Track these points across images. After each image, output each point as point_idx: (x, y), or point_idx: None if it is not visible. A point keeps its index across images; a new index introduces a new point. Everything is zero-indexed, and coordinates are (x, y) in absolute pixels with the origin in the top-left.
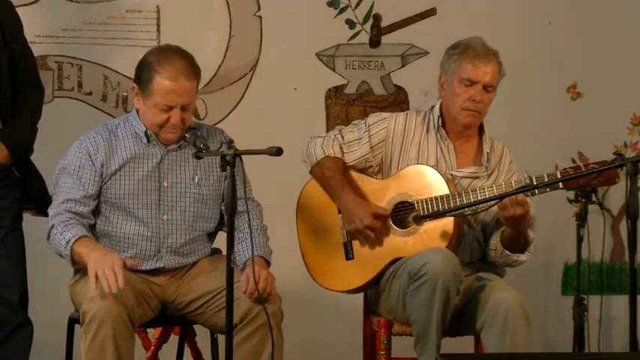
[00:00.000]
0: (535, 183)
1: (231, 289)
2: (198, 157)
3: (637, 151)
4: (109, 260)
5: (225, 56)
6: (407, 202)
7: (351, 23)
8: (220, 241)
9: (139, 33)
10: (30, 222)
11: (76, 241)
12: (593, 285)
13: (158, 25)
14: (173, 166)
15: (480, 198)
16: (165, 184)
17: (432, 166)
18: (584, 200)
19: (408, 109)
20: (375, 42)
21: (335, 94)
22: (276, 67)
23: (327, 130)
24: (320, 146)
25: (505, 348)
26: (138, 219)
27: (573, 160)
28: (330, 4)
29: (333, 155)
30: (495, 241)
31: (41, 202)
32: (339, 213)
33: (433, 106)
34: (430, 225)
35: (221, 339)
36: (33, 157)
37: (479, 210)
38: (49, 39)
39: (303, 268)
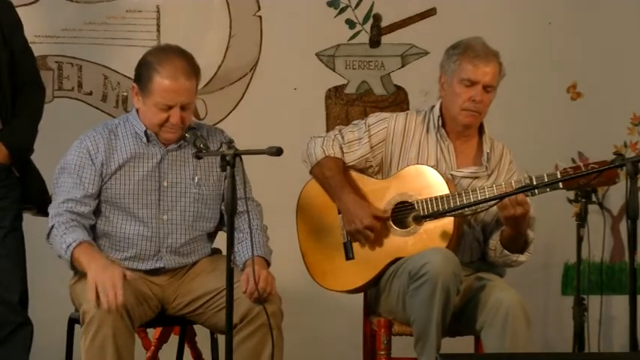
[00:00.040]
0: (535, 183)
1: (231, 289)
2: (198, 157)
3: (637, 151)
4: (109, 274)
5: (225, 56)
6: (407, 202)
7: (351, 23)
8: (220, 241)
9: (139, 33)
10: (30, 222)
11: (76, 246)
12: (593, 285)
13: (158, 25)
14: (173, 165)
15: (479, 198)
16: (165, 184)
17: (432, 166)
18: (584, 200)
19: (408, 109)
20: (375, 42)
21: (335, 94)
22: (276, 67)
23: (327, 130)
24: (320, 146)
25: (505, 348)
26: (138, 219)
27: (573, 160)
28: (330, 4)
29: (333, 155)
30: (495, 241)
31: (41, 202)
32: (339, 213)
33: (433, 106)
34: (430, 225)
35: (221, 339)
36: (33, 157)
37: (479, 210)
38: (49, 39)
39: (303, 268)
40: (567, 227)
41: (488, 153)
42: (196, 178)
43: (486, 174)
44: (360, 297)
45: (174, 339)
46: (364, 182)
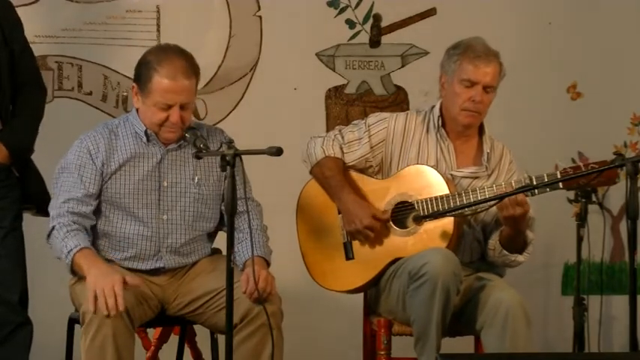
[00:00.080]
0: (535, 183)
1: (231, 289)
2: (198, 157)
3: (637, 151)
4: (109, 280)
5: (225, 56)
6: (407, 202)
7: (351, 23)
8: (220, 241)
9: (139, 33)
10: (30, 222)
11: (77, 252)
12: (593, 285)
13: (158, 25)
14: (173, 165)
15: (479, 198)
16: (165, 184)
17: (432, 166)
18: (584, 200)
19: (408, 109)
20: (375, 42)
21: (335, 94)
22: (276, 67)
23: (327, 130)
24: (320, 146)
25: (505, 348)
26: (138, 219)
27: (573, 160)
28: (330, 4)
29: (333, 155)
30: (494, 240)
31: (41, 202)
32: (339, 213)
33: (433, 106)
34: (430, 225)
35: (221, 339)
36: (33, 157)
37: (479, 210)
38: (49, 39)
39: (303, 268)
40: (567, 227)
41: (488, 153)
42: (196, 178)
43: (486, 174)
44: (360, 297)
45: (174, 339)
46: (364, 182)
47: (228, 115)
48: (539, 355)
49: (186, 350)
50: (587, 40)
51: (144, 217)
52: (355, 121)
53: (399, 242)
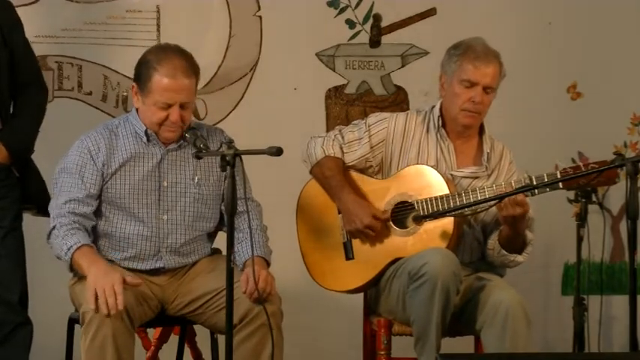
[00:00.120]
0: (535, 183)
1: (231, 289)
2: (198, 157)
3: (637, 151)
4: (109, 279)
5: (225, 56)
6: (407, 202)
7: (351, 23)
8: (220, 241)
9: (139, 33)
10: (30, 222)
11: (77, 249)
12: (593, 285)
13: (158, 25)
14: (173, 165)
15: (479, 198)
16: (165, 184)
17: (432, 166)
18: (584, 200)
19: (408, 109)
20: (375, 42)
21: (335, 94)
22: (276, 67)
23: (327, 130)
24: (320, 146)
25: (505, 348)
26: (138, 219)
27: (573, 160)
28: (330, 4)
29: (333, 155)
30: (493, 240)
31: (41, 202)
32: (339, 213)
33: (433, 106)
34: (430, 225)
35: (221, 339)
36: (33, 157)
37: (479, 210)
38: (49, 39)
39: (303, 268)
40: (567, 227)
41: (488, 153)
42: (196, 178)
43: (486, 174)
44: (360, 297)
45: (174, 339)
46: (364, 182)
47: (228, 115)
48: (539, 355)
49: (186, 350)
50: (587, 40)
51: (144, 217)
52: (355, 121)
53: (398, 242)
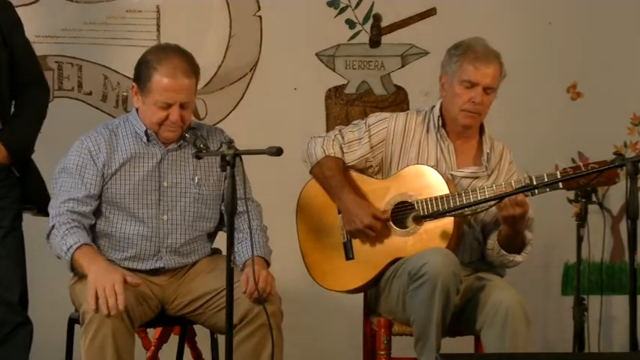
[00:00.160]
0: (535, 183)
1: (231, 289)
2: (198, 157)
3: (637, 151)
4: (110, 278)
5: (225, 56)
6: (407, 202)
7: (351, 23)
8: (220, 241)
9: (139, 33)
10: (30, 222)
11: (77, 249)
12: (593, 285)
13: (158, 25)
14: (173, 166)
15: (479, 198)
16: (165, 184)
17: (432, 166)
18: (584, 200)
19: (408, 109)
20: (375, 42)
21: (335, 94)
22: (276, 67)
23: (327, 130)
24: (320, 146)
25: (505, 348)
26: (138, 219)
27: (573, 160)
28: (330, 4)
29: (333, 155)
30: (493, 240)
31: (41, 202)
32: (339, 213)
33: (433, 106)
34: (430, 225)
35: (221, 339)
36: (33, 157)
37: (479, 210)
38: (49, 39)
39: (303, 268)
40: (567, 227)
41: (488, 153)
42: (196, 178)
43: (486, 174)
44: (360, 297)
45: (174, 339)
46: (364, 182)
47: (228, 115)
48: (539, 355)
49: (186, 350)
50: (587, 40)
51: (144, 217)
52: (355, 121)
53: (398, 242)
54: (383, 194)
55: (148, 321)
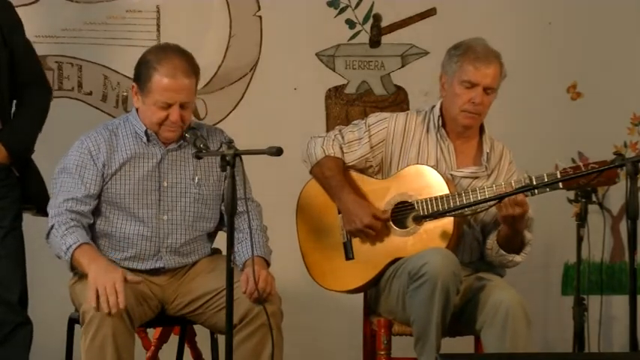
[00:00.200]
0: (535, 183)
1: (231, 289)
2: (198, 157)
3: (637, 151)
4: (110, 277)
5: (225, 56)
6: (407, 202)
7: (351, 23)
8: (220, 241)
9: (139, 33)
10: (30, 222)
11: (76, 248)
12: (593, 285)
13: (158, 25)
14: (173, 166)
15: (479, 198)
16: (166, 184)
17: (432, 166)
18: (584, 200)
19: (408, 109)
20: (375, 42)
21: (335, 94)
22: (276, 67)
23: (327, 130)
24: (320, 146)
25: (505, 348)
26: (138, 219)
27: (573, 160)
28: (330, 4)
29: (333, 155)
30: (492, 240)
31: (41, 202)
32: (339, 213)
33: (433, 106)
34: (430, 225)
35: (221, 339)
36: (33, 157)
37: (479, 210)
38: (49, 39)
39: (303, 268)
40: (567, 227)
41: (488, 153)
42: (196, 178)
43: (486, 174)
44: (360, 297)
45: (174, 339)
46: (364, 182)
47: (228, 115)
48: (539, 355)
49: (186, 350)
50: (587, 40)
51: (144, 217)
52: (355, 121)
53: (398, 242)
54: (383, 194)
55: (148, 321)
